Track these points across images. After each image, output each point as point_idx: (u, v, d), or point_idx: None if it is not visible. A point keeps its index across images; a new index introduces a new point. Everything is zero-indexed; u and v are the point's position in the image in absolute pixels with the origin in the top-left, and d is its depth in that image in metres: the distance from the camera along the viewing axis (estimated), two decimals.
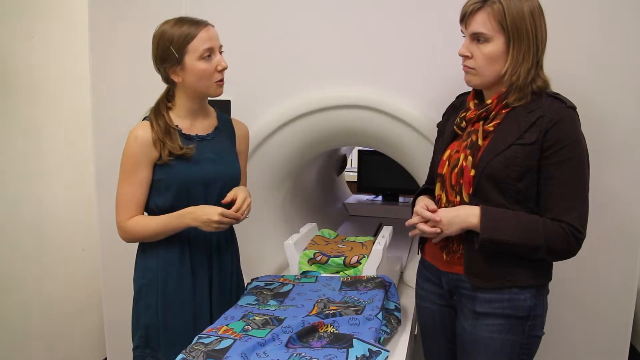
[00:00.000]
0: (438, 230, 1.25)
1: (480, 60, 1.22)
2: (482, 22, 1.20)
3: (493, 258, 1.23)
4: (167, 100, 1.45)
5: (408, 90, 1.74)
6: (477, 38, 1.22)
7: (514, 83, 1.21)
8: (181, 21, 1.38)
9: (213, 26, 1.41)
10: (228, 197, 1.41)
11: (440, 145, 1.38)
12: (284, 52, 1.82)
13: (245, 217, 1.41)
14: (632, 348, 1.77)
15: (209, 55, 1.38)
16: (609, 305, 1.69)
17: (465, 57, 1.25)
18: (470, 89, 1.34)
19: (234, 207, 1.38)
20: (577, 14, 1.58)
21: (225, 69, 1.41)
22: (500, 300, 1.24)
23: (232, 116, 1.77)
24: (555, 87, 1.27)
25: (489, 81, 1.25)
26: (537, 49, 1.20)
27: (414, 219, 1.30)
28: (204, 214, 1.34)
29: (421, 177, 1.75)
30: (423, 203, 1.31)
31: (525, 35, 1.18)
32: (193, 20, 1.39)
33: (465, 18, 1.24)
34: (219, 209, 1.34)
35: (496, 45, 1.20)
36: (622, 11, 1.55)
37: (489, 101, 1.26)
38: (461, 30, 1.27)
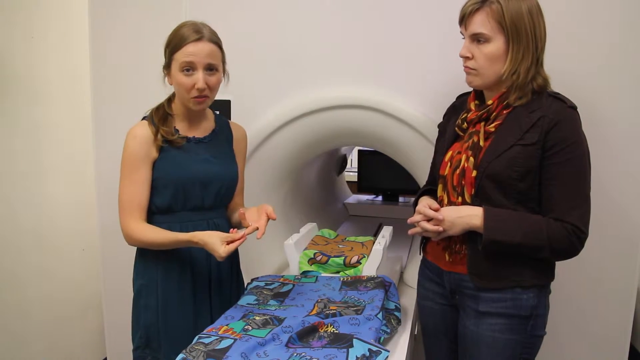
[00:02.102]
0: (440, 229, 1.25)
1: (481, 60, 1.23)
2: (481, 23, 1.20)
3: (496, 258, 1.23)
4: (170, 99, 1.47)
5: (408, 90, 1.74)
6: (477, 39, 1.22)
7: (514, 82, 1.22)
8: (185, 26, 1.37)
9: (214, 42, 1.38)
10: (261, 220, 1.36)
11: (442, 146, 1.38)
12: (284, 52, 1.82)
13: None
14: (632, 348, 1.77)
15: (189, 70, 1.36)
16: (609, 305, 1.69)
17: (466, 58, 1.26)
18: (470, 89, 1.34)
19: (248, 230, 1.33)
20: (578, 14, 1.58)
21: (201, 89, 1.36)
22: (504, 299, 1.24)
23: (232, 116, 1.77)
24: (556, 88, 1.27)
25: (491, 81, 1.25)
26: (537, 47, 1.21)
27: (417, 217, 1.30)
28: (211, 251, 1.30)
29: (421, 177, 1.75)
30: (426, 202, 1.31)
31: (524, 34, 1.19)
32: (195, 29, 1.36)
33: (464, 19, 1.24)
34: (223, 249, 1.28)
35: (496, 45, 1.21)
36: (622, 11, 1.55)
37: (489, 102, 1.26)
38: (460, 32, 1.27)
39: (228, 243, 1.30)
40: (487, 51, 1.21)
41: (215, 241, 1.30)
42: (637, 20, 1.54)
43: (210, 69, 1.38)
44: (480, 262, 1.25)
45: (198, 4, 1.83)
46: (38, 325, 2.24)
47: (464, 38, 1.27)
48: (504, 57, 1.21)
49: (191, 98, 1.38)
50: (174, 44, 1.36)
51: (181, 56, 1.35)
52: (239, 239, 1.30)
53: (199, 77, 1.35)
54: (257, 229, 1.33)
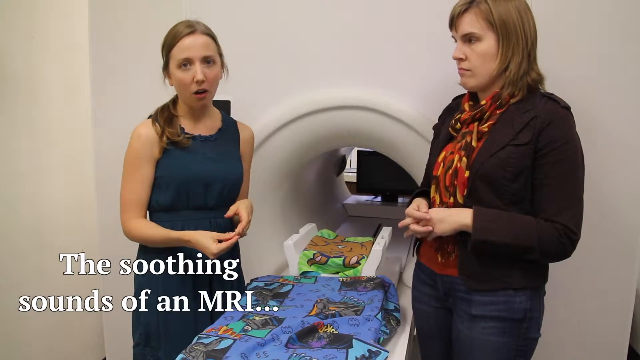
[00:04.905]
0: (430, 228, 1.25)
1: (474, 60, 1.23)
2: (470, 22, 1.22)
3: (487, 259, 1.23)
4: (175, 100, 1.48)
5: (407, 91, 1.74)
6: (468, 39, 1.23)
7: (507, 78, 1.22)
8: (178, 24, 1.39)
9: (207, 34, 1.39)
10: (231, 212, 1.45)
11: (436, 147, 1.39)
12: (284, 53, 1.82)
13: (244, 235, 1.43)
14: (631, 349, 1.77)
15: (186, 65, 1.37)
16: (607, 307, 1.69)
17: (460, 60, 1.26)
18: (466, 91, 1.35)
19: (238, 229, 1.39)
20: (576, 15, 1.58)
21: (200, 81, 1.36)
22: (496, 302, 1.24)
23: (231, 116, 1.78)
24: (553, 89, 1.28)
25: (485, 81, 1.25)
26: (527, 43, 1.21)
27: (406, 220, 1.30)
28: (202, 248, 1.34)
29: (419, 177, 1.74)
30: (415, 204, 1.31)
31: (513, 30, 1.20)
32: (187, 24, 1.38)
33: (453, 21, 1.26)
34: (215, 246, 1.33)
35: (488, 43, 1.21)
36: (622, 11, 1.55)
37: (483, 102, 1.26)
38: (452, 36, 1.29)
39: (220, 242, 1.34)
40: (479, 50, 1.22)
41: (206, 239, 1.34)
42: (634, 24, 1.55)
43: (207, 61, 1.38)
44: (471, 263, 1.25)
45: (198, 5, 1.83)
46: (37, 326, 2.24)
47: (456, 42, 1.28)
48: (496, 55, 1.22)
49: (192, 94, 1.38)
50: (169, 42, 1.38)
51: (177, 52, 1.36)
52: (230, 239, 1.35)
53: (197, 69, 1.36)
54: (244, 226, 1.40)
